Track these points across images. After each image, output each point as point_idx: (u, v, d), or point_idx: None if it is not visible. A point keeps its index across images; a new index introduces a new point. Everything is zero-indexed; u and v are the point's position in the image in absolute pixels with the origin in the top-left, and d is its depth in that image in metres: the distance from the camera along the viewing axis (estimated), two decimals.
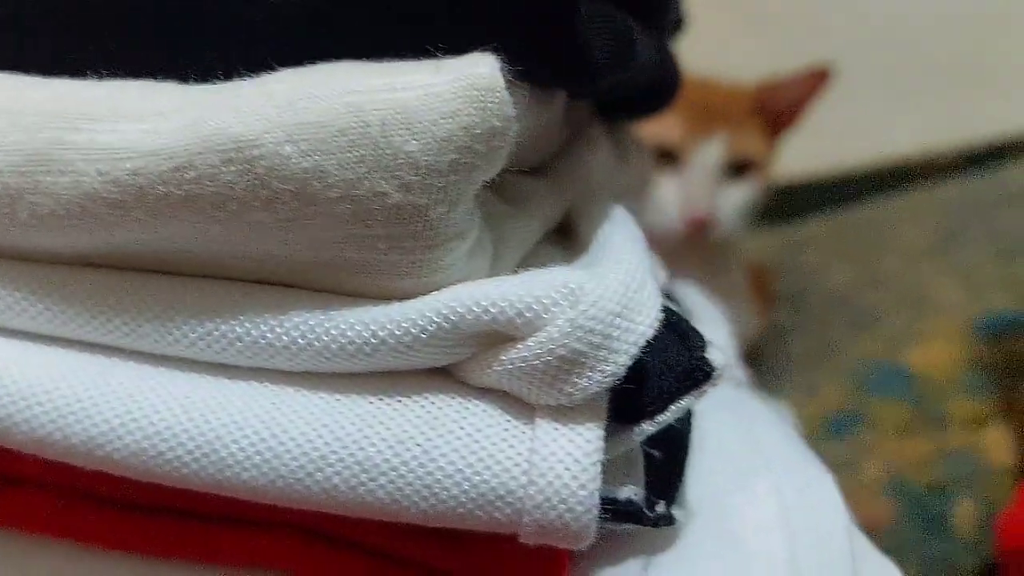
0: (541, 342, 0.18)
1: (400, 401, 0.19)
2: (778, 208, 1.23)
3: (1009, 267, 0.83)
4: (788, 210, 1.23)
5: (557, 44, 0.19)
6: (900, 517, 0.64)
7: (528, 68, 0.19)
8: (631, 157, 0.34)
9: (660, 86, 0.37)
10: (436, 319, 0.19)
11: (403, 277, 0.19)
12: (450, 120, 0.18)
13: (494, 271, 0.21)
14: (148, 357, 0.20)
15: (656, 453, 0.22)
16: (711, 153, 0.75)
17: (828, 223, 1.11)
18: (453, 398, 0.20)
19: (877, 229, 1.04)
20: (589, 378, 0.19)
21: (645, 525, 0.21)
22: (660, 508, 0.21)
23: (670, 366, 0.21)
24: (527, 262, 0.22)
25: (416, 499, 0.19)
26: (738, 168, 0.77)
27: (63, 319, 0.20)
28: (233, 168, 0.18)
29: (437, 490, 0.19)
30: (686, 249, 0.79)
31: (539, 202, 0.23)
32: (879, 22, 1.23)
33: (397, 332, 0.19)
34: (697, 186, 0.75)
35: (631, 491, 0.21)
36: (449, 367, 0.20)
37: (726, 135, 0.75)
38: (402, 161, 0.18)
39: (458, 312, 0.19)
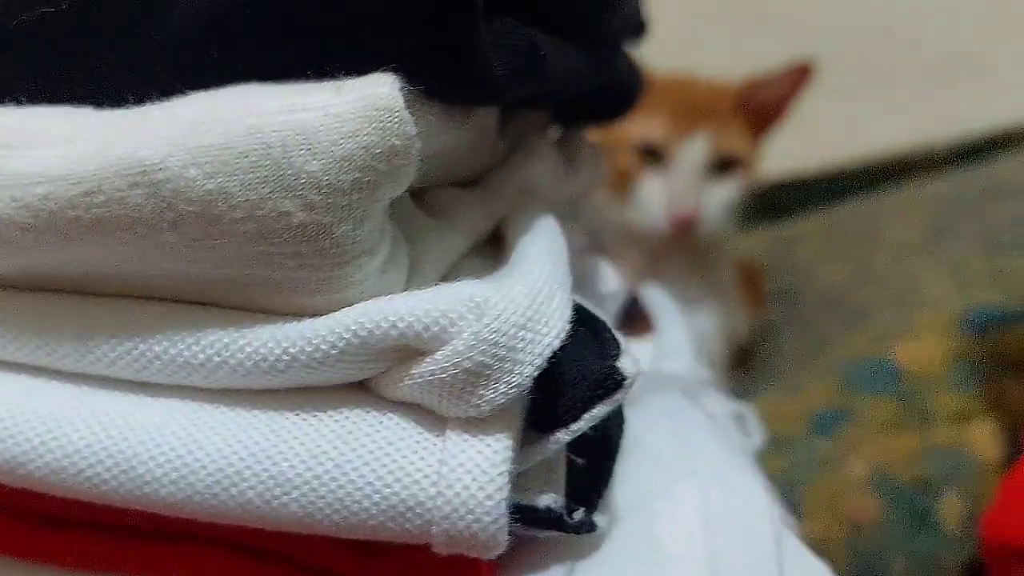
0: (447, 356, 0.19)
1: (315, 416, 0.20)
2: (770, 205, 1.23)
3: (997, 261, 0.82)
4: (780, 207, 1.23)
5: (456, 63, 0.19)
6: (886, 514, 0.64)
7: (429, 87, 0.19)
8: (582, 164, 0.34)
9: (614, 92, 0.37)
10: (345, 335, 0.19)
11: (314, 294, 0.19)
12: (350, 140, 0.18)
13: (414, 285, 0.21)
14: (69, 376, 0.21)
15: (579, 460, 0.23)
16: (695, 151, 0.75)
17: (819, 220, 1.11)
18: (368, 412, 0.20)
19: (868, 225, 1.04)
20: (495, 390, 0.19)
21: (566, 532, 0.22)
22: (579, 515, 0.22)
23: (584, 375, 0.21)
24: (452, 274, 0.23)
25: (328, 512, 0.19)
26: (723, 166, 0.77)
27: None
28: (140, 191, 0.18)
29: (348, 503, 0.19)
30: (672, 248, 0.79)
31: (466, 214, 0.24)
32: (869, 17, 1.23)
33: (308, 348, 0.19)
34: (682, 184, 0.75)
35: (551, 499, 0.22)
36: (366, 381, 0.20)
37: (710, 133, 0.76)
38: (304, 181, 0.18)
39: (366, 328, 0.19)
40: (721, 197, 0.77)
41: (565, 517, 0.21)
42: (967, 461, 0.65)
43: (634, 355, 0.22)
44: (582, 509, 0.22)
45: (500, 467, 0.19)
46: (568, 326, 0.20)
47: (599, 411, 0.21)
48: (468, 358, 0.19)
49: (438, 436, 0.19)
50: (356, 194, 0.18)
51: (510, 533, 0.22)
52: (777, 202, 1.23)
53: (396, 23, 0.19)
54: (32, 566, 0.22)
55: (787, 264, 1.06)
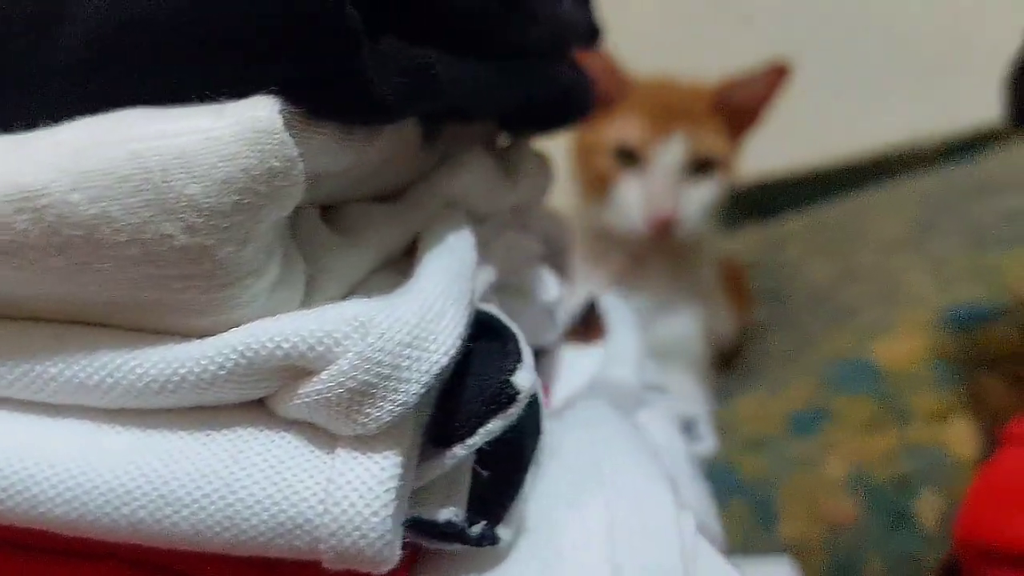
0: (332, 375, 0.19)
1: (208, 435, 0.20)
2: (759, 205, 1.23)
3: (980, 258, 0.82)
4: (769, 206, 1.23)
5: (339, 85, 0.19)
6: (863, 513, 0.63)
7: (314, 109, 0.19)
8: (524, 174, 0.34)
9: (555, 101, 0.37)
10: (232, 356, 0.19)
11: (202, 315, 0.20)
12: (229, 163, 0.18)
13: (315, 302, 0.21)
14: None
15: (484, 473, 0.23)
16: (672, 153, 0.75)
17: (807, 219, 1.10)
18: (261, 431, 0.20)
19: (855, 223, 1.03)
20: (380, 408, 0.19)
21: (467, 545, 0.22)
22: (477, 529, 0.22)
23: (480, 390, 0.21)
24: (359, 291, 0.23)
25: (218, 530, 0.19)
26: (700, 167, 0.77)
27: None
28: (25, 217, 0.18)
29: (237, 521, 0.19)
30: (652, 250, 0.79)
31: (378, 229, 0.24)
32: (856, 15, 1.23)
33: (196, 369, 0.19)
34: (659, 186, 0.75)
35: (452, 513, 0.22)
36: (264, 399, 0.21)
37: (687, 134, 0.76)
38: (184, 204, 0.18)
39: (252, 348, 0.19)
40: (699, 198, 0.77)
41: (466, 531, 0.21)
42: (944, 459, 0.64)
43: (530, 369, 0.22)
44: (483, 522, 0.22)
45: (387, 484, 0.19)
46: (460, 343, 0.20)
47: (494, 426, 0.21)
48: (352, 377, 0.19)
49: (328, 454, 0.20)
50: (237, 216, 0.18)
51: (413, 545, 0.22)
52: (766, 201, 1.22)
53: (279, 47, 0.19)
54: None
55: (775, 263, 1.06)
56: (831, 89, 1.21)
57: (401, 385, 0.19)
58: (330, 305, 0.20)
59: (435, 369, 0.19)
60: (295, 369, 0.19)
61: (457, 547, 0.22)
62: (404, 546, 0.23)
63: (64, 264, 0.19)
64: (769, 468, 0.68)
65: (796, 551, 0.64)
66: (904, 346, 0.73)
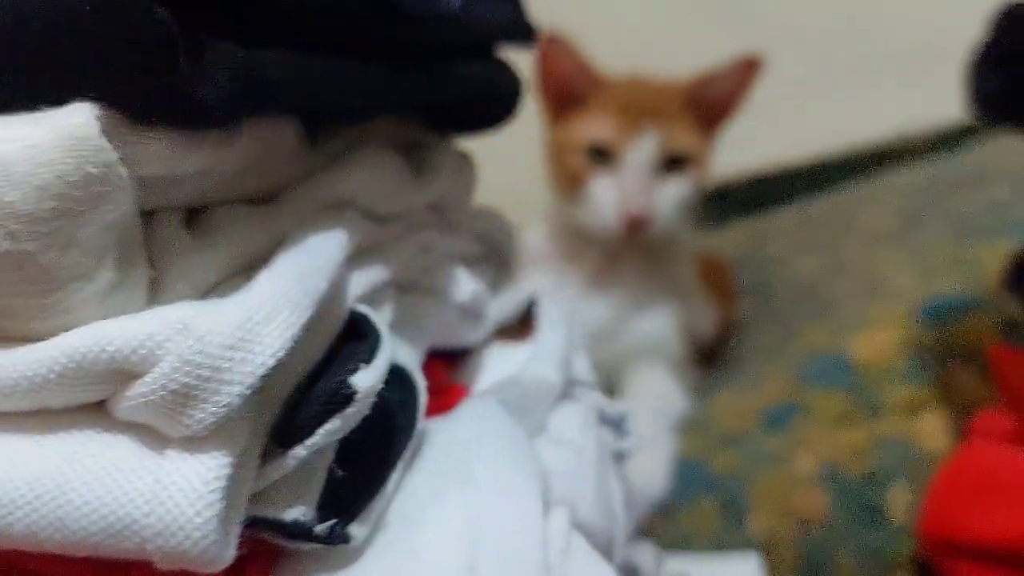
0: (155, 378, 0.19)
1: (45, 438, 0.20)
2: (749, 199, 1.22)
3: (960, 250, 0.81)
4: (758, 201, 1.21)
5: (157, 91, 0.19)
6: (834, 508, 0.63)
7: (136, 114, 0.19)
8: (437, 173, 0.34)
9: (473, 101, 0.37)
10: (61, 360, 0.19)
11: (32, 320, 0.20)
12: (46, 169, 0.18)
13: (163, 304, 0.21)
14: None
15: (340, 473, 0.23)
16: (644, 150, 0.75)
17: (794, 213, 1.09)
18: (97, 433, 0.20)
19: (841, 217, 1.02)
20: (203, 410, 0.19)
21: (316, 543, 0.22)
22: (324, 527, 0.22)
23: (320, 391, 0.21)
24: (215, 293, 0.23)
25: (51, 531, 0.19)
26: (673, 164, 0.77)
27: None
28: None
29: (68, 523, 0.19)
30: (627, 247, 0.79)
31: (240, 232, 0.24)
32: (842, 11, 1.21)
33: (28, 374, 0.19)
34: (632, 184, 0.75)
35: (299, 512, 0.22)
36: (104, 402, 0.21)
37: (659, 132, 0.75)
38: (5, 212, 0.18)
39: (80, 352, 0.19)
40: (672, 195, 0.76)
41: (312, 529, 0.21)
42: (915, 453, 0.63)
43: (377, 370, 0.22)
44: (332, 521, 0.22)
45: (213, 484, 0.19)
46: (290, 345, 0.20)
47: (333, 426, 0.21)
48: (173, 380, 0.19)
49: (158, 455, 0.20)
50: (56, 221, 0.19)
51: (261, 544, 0.22)
52: (755, 196, 1.21)
53: (93, 56, 0.19)
54: None
55: (762, 257, 1.05)
56: (818, 85, 1.20)
57: (223, 387, 0.19)
58: (157, 309, 0.20)
59: (260, 371, 0.19)
60: (123, 372, 0.19)
61: (310, 546, 0.22)
62: (262, 545, 0.23)
63: None
64: (740, 464, 0.67)
65: (766, 546, 0.63)
66: (879, 340, 0.72)
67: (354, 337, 0.24)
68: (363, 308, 0.25)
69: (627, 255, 0.80)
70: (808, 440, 0.67)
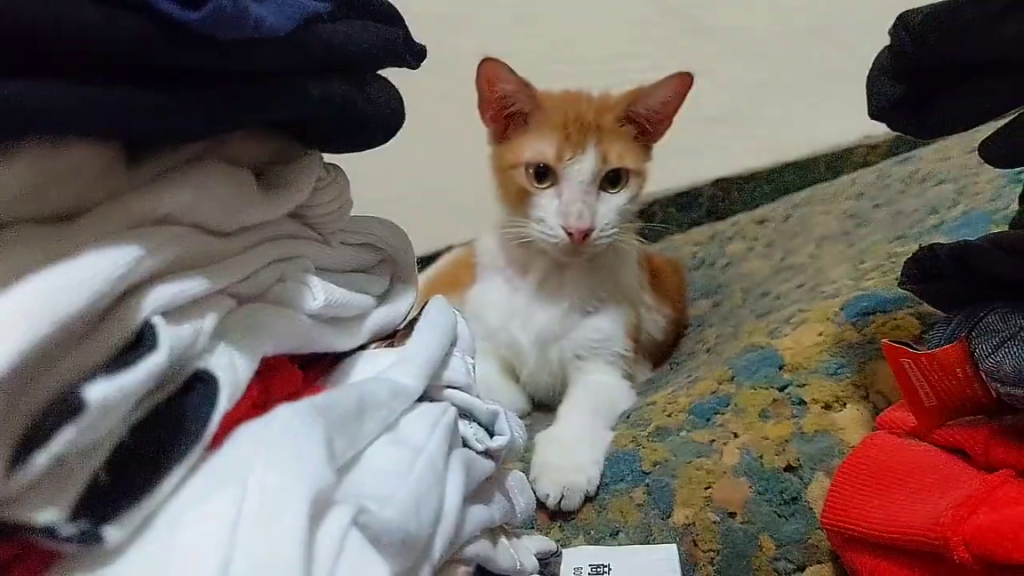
0: None
1: None
2: (717, 202, 1.20)
3: (895, 249, 0.79)
4: (726, 204, 1.20)
5: None
6: (756, 498, 0.61)
7: None
8: (283, 189, 0.34)
9: (336, 120, 0.36)
10: None
11: None
12: None
13: None
14: None
15: (103, 477, 0.22)
16: (585, 167, 0.74)
17: (755, 215, 1.08)
18: None
19: (798, 217, 1.00)
20: None
21: (65, 544, 0.21)
22: (72, 528, 0.21)
23: (53, 401, 0.21)
24: None
25: None
26: (612, 178, 0.76)
27: None
28: None
29: None
30: (573, 258, 0.78)
31: (22, 251, 0.23)
32: (808, 18, 1.19)
33: None
34: (574, 199, 0.74)
35: (51, 515, 0.21)
36: None
37: (598, 148, 0.74)
38: None
39: None
40: (614, 207, 0.75)
41: (60, 532, 0.21)
42: (837, 446, 0.62)
43: (116, 382, 0.22)
44: (83, 521, 0.21)
45: None
46: (21, 357, 0.20)
47: (67, 434, 0.21)
48: None
49: None
50: None
51: (31, 546, 0.22)
52: (722, 199, 1.20)
53: None
54: None
55: (721, 258, 1.03)
56: (787, 90, 1.18)
57: None
58: None
59: None
60: None
61: (64, 547, 0.22)
62: (33, 548, 0.22)
63: None
64: (669, 457, 0.66)
65: (691, 536, 0.62)
66: (807, 337, 0.71)
67: (138, 345, 0.24)
68: (156, 319, 0.25)
69: (573, 263, 0.79)
70: (733, 433, 0.66)
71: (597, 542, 0.63)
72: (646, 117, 0.76)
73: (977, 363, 0.46)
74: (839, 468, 0.54)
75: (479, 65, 0.73)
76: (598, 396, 0.73)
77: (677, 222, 1.12)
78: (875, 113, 0.54)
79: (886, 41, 0.52)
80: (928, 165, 0.94)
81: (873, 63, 0.54)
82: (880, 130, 1.22)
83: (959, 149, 0.92)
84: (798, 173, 1.19)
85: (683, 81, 0.74)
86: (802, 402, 0.65)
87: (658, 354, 0.89)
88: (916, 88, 0.52)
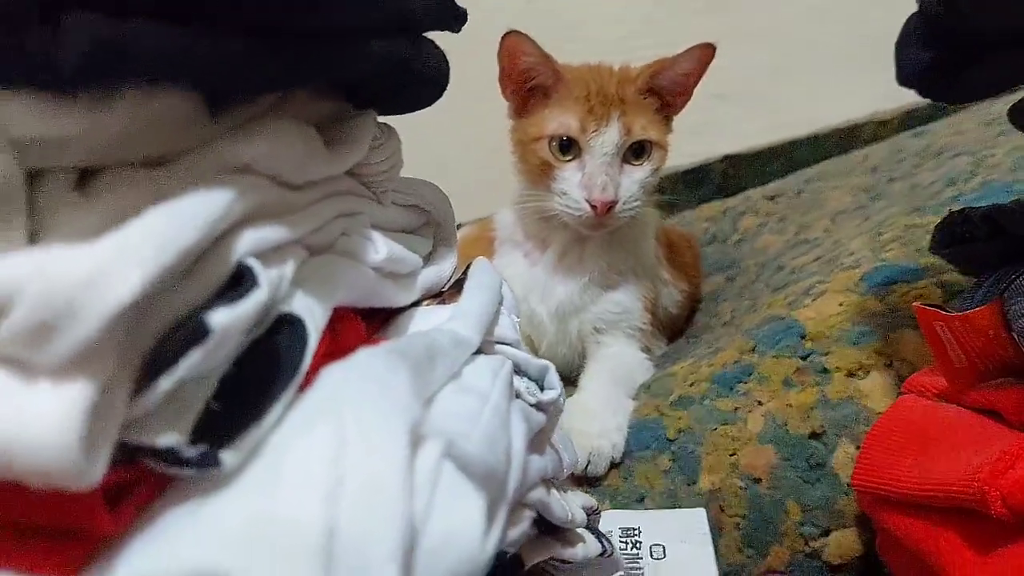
0: (17, 315, 0.20)
1: None
2: (727, 178, 1.22)
3: (913, 220, 0.81)
4: (737, 180, 1.21)
5: (11, 55, 0.20)
6: (782, 464, 0.63)
7: (4, 75, 0.20)
8: (346, 146, 0.35)
9: (389, 79, 0.38)
10: None
11: None
12: None
13: None
14: None
15: (216, 405, 0.24)
16: (608, 139, 0.75)
17: (767, 190, 1.09)
18: None
19: (810, 192, 1.02)
20: (62, 342, 0.20)
21: (187, 468, 0.23)
22: (194, 451, 0.23)
23: (180, 328, 0.22)
24: None
25: None
26: (636, 150, 0.77)
27: None
28: None
29: None
30: (594, 231, 0.79)
31: (126, 192, 0.25)
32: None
33: None
34: (598, 172, 0.75)
35: (172, 438, 0.23)
36: None
37: (622, 121, 0.75)
38: None
39: None
40: (637, 180, 0.77)
41: (182, 453, 0.22)
42: (860, 412, 0.64)
43: (236, 312, 0.23)
44: (203, 445, 0.23)
45: (74, 408, 0.20)
46: (148, 284, 0.21)
47: (193, 358, 0.22)
48: (31, 315, 0.20)
49: (27, 384, 0.21)
50: None
51: (143, 472, 0.23)
52: (732, 175, 1.21)
53: None
54: None
55: (733, 233, 1.05)
56: (796, 68, 1.19)
57: (78, 322, 0.20)
58: (16, 253, 0.21)
59: (115, 307, 0.20)
60: None
61: (184, 471, 0.23)
62: (145, 474, 0.24)
63: None
64: (694, 425, 0.68)
65: (717, 502, 0.64)
66: (828, 307, 0.72)
67: (235, 284, 0.25)
68: (251, 261, 0.26)
69: (593, 236, 0.80)
70: (758, 401, 0.67)
71: (624, 508, 0.65)
72: (668, 89, 0.77)
73: (1009, 324, 0.48)
74: (870, 430, 0.55)
75: (502, 38, 0.74)
76: (618, 367, 0.74)
77: (687, 199, 1.13)
78: (903, 79, 0.56)
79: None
80: (942, 139, 0.96)
81: (902, 29, 0.56)
82: (890, 106, 1.24)
83: (974, 122, 0.94)
84: (808, 149, 1.20)
85: (705, 52, 0.75)
86: (825, 370, 0.67)
87: (673, 328, 0.90)
88: (946, 54, 0.53)
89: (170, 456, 0.22)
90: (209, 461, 0.23)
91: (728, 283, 0.97)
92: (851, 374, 0.66)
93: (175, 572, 0.21)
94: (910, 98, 1.24)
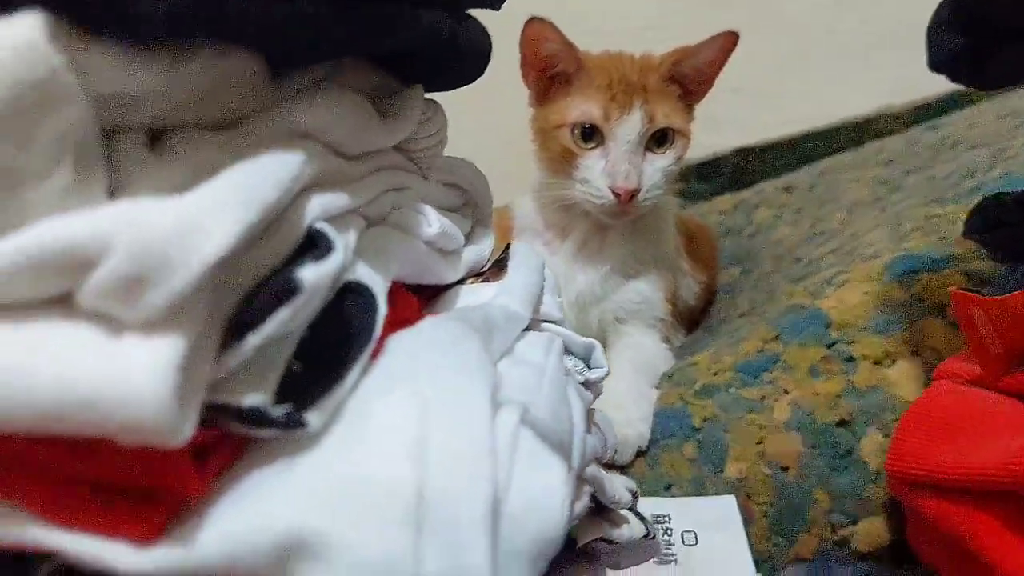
0: (109, 267, 0.20)
1: (9, 330, 0.21)
2: (738, 171, 1.22)
3: (934, 211, 0.81)
4: (747, 173, 1.21)
5: (100, 4, 0.20)
6: (809, 452, 0.63)
7: (82, 24, 0.20)
8: (399, 119, 0.34)
9: (433, 54, 0.37)
10: (24, 252, 0.20)
11: None
12: None
13: None
14: None
15: (297, 366, 0.23)
16: (631, 127, 0.75)
17: (780, 183, 1.09)
18: (60, 323, 0.21)
19: (825, 185, 1.02)
20: (154, 295, 0.20)
21: (272, 428, 0.23)
22: (281, 411, 0.22)
23: (270, 284, 0.22)
24: None
25: (21, 411, 0.20)
26: (659, 138, 0.77)
27: None
28: None
29: (37, 403, 0.20)
30: (615, 220, 0.79)
31: (197, 153, 0.24)
32: None
33: None
34: (621, 160, 0.75)
35: (258, 399, 0.22)
36: (66, 294, 0.21)
37: (644, 108, 0.75)
38: None
39: (39, 244, 0.20)
40: (660, 168, 0.76)
41: (269, 413, 0.22)
42: (889, 401, 0.64)
43: (325, 270, 0.23)
44: (288, 405, 0.23)
45: (167, 363, 0.20)
46: (237, 239, 0.21)
47: (283, 315, 0.22)
48: (124, 267, 0.19)
49: (115, 338, 0.20)
50: (12, 119, 0.19)
51: (224, 435, 0.23)
52: (749, 167, 1.21)
53: None
54: None
55: (748, 226, 1.05)
56: (809, 60, 1.19)
57: (172, 274, 0.20)
58: (109, 204, 0.21)
59: (207, 260, 0.20)
60: (80, 264, 0.20)
61: (268, 432, 0.23)
62: (225, 437, 0.23)
63: None
64: (719, 413, 0.68)
65: (744, 490, 0.64)
66: (852, 296, 0.72)
67: (311, 247, 0.25)
68: (323, 225, 0.26)
69: (614, 225, 0.80)
70: (783, 390, 0.67)
71: (652, 495, 0.65)
72: (690, 77, 0.77)
73: None
74: (903, 415, 0.55)
75: (525, 25, 0.74)
76: (640, 356, 0.74)
77: (699, 192, 1.13)
78: (934, 65, 0.56)
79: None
80: (958, 132, 0.96)
81: (933, 15, 0.56)
82: (901, 100, 1.24)
83: (991, 115, 0.94)
84: (820, 142, 1.21)
85: (728, 40, 0.75)
86: (851, 359, 0.67)
87: (690, 320, 0.90)
88: (977, 40, 0.53)
89: (255, 416, 0.22)
90: (294, 422, 0.23)
91: (744, 275, 0.97)
92: (878, 362, 0.66)
93: (267, 533, 0.21)
94: (922, 92, 1.24)
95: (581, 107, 0.76)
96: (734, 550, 0.55)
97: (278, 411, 0.22)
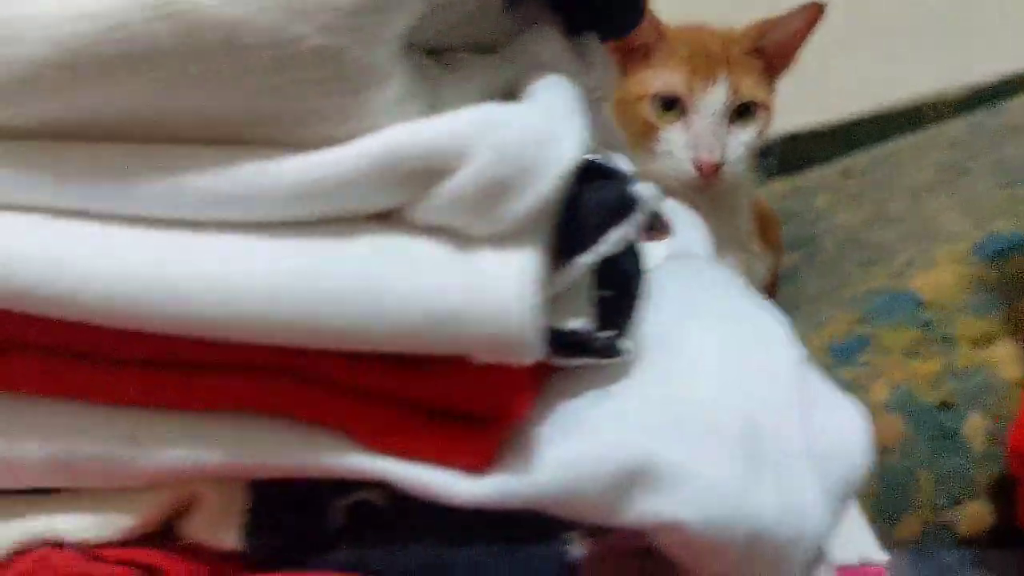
0: (469, 172, 0.19)
1: (351, 240, 0.20)
2: (791, 156, 1.22)
3: (1012, 193, 0.81)
4: (801, 158, 1.21)
5: None
6: (911, 434, 0.63)
7: None
8: (595, 63, 0.34)
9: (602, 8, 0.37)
10: (373, 158, 0.19)
11: (337, 124, 0.19)
12: None
13: None
14: (111, 219, 0.21)
15: (606, 292, 0.22)
16: (715, 98, 0.74)
17: (837, 168, 1.09)
18: (399, 236, 0.20)
19: (884, 170, 1.02)
20: (519, 201, 0.19)
21: (591, 355, 0.22)
22: (604, 337, 0.21)
23: (600, 200, 0.21)
24: None
25: (372, 324, 0.19)
26: (742, 111, 0.76)
27: (31, 187, 0.21)
28: (162, 24, 0.18)
29: (390, 315, 0.19)
30: (700, 197, 0.78)
31: (481, 71, 0.24)
32: None
33: (338, 172, 0.19)
34: (705, 132, 0.74)
35: (580, 323, 0.21)
36: (397, 211, 0.20)
37: (728, 80, 0.74)
38: (315, 3, 0.18)
39: (391, 149, 0.19)
40: (743, 141, 0.75)
41: (592, 339, 0.21)
42: (990, 381, 0.63)
43: (648, 188, 0.22)
44: (610, 331, 0.22)
45: (528, 274, 0.19)
46: (584, 146, 0.20)
47: (620, 232, 0.21)
48: (488, 172, 0.19)
49: (467, 252, 0.19)
50: (367, 17, 0.18)
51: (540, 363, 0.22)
52: (797, 153, 1.21)
53: None
54: (86, 405, 0.22)
55: (807, 211, 1.05)
56: (859, 43, 1.19)
57: (536, 179, 0.19)
58: (462, 110, 0.20)
59: (566, 163, 0.19)
60: (431, 171, 0.19)
61: (581, 360, 0.22)
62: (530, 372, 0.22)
63: (200, 72, 0.19)
64: None
65: None
66: (944, 277, 0.72)
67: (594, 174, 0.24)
68: (601, 158, 0.25)
69: (697, 205, 0.79)
70: (881, 371, 0.67)
71: None
72: (774, 50, 0.76)
73: None
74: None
75: None
76: None
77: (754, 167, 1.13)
78: None
79: None
80: (1019, 116, 0.97)
81: None
82: (952, 84, 1.24)
83: None
84: (870, 128, 1.20)
85: (812, 12, 0.75)
86: (948, 339, 0.67)
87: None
88: None
89: (577, 342, 0.21)
90: (614, 349, 0.22)
91: (806, 261, 0.97)
92: (977, 342, 0.66)
93: (608, 462, 0.20)
94: (974, 76, 1.25)
95: (663, 77, 0.75)
96: (852, 524, 0.54)
97: (603, 336, 0.21)
